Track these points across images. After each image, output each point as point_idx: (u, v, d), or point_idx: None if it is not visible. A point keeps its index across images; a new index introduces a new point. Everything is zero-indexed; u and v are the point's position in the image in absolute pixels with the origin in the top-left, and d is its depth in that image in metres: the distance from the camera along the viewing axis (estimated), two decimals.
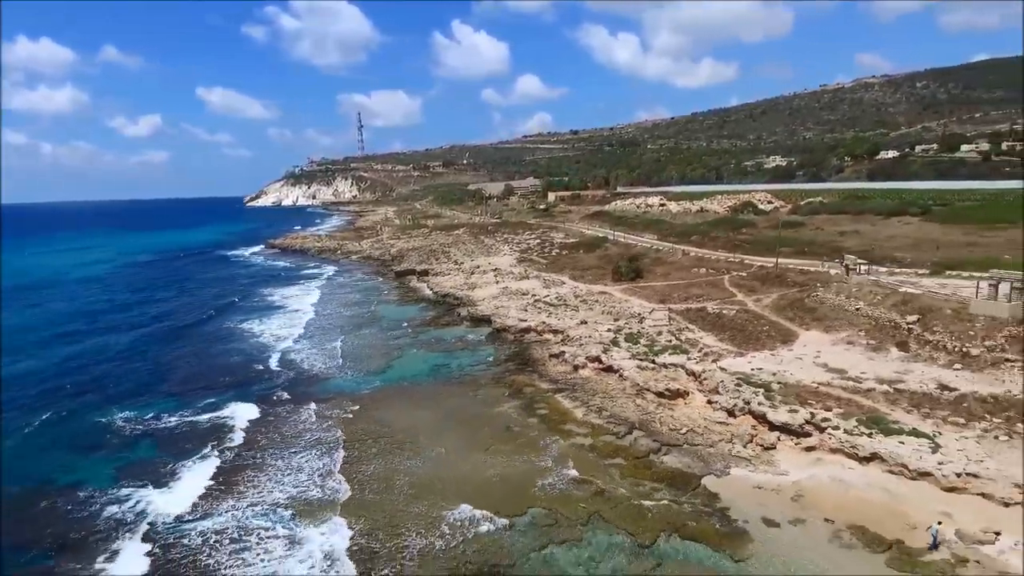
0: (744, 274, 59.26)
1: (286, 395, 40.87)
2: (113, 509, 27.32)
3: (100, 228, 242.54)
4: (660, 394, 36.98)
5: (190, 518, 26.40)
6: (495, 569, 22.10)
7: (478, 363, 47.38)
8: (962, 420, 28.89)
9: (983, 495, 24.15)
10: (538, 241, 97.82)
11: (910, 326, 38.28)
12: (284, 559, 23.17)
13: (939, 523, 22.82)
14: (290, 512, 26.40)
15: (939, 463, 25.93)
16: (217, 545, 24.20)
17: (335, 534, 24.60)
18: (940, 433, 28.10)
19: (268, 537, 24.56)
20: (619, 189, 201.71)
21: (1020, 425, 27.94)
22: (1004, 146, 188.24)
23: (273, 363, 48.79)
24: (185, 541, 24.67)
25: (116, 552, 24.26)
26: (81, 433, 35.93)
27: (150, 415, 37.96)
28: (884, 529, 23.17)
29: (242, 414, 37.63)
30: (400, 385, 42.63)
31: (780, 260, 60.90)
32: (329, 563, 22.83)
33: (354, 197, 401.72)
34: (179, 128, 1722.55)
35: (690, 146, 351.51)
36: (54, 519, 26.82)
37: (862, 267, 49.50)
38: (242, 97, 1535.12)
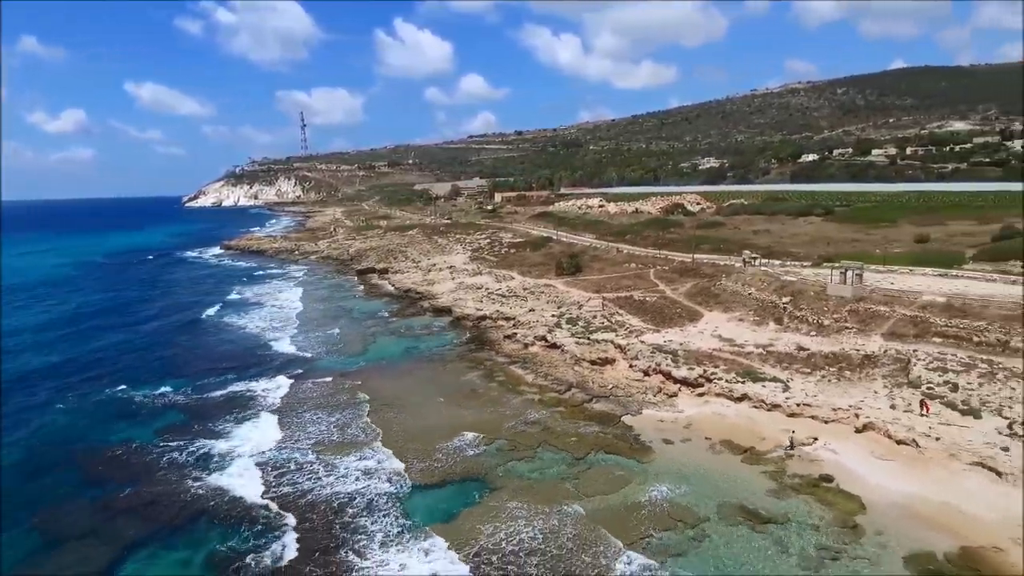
0: (667, 268, 69.67)
1: (297, 372, 48.71)
2: (210, 449, 35.61)
3: (36, 231, 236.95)
4: (593, 362, 46.52)
5: (278, 451, 34.96)
6: (479, 475, 31.14)
7: (443, 345, 56.01)
8: (808, 370, 39.51)
9: (812, 417, 34.53)
10: (488, 241, 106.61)
11: (785, 305, 49.14)
12: (355, 472, 31.99)
13: (792, 432, 32.98)
14: (346, 444, 35.20)
15: (787, 398, 36.32)
16: (307, 467, 32.85)
17: (381, 454, 33.84)
18: (792, 379, 38.62)
19: (339, 461, 33.32)
20: (562, 190, 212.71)
21: (848, 373, 38.69)
22: (908, 150, 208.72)
23: (271, 350, 56.15)
24: (281, 466, 33.09)
25: (226, 470, 32.82)
26: (144, 407, 43.10)
27: (197, 392, 45.26)
28: (743, 441, 33.18)
29: (269, 387, 45.68)
30: (380, 364, 50.86)
31: (698, 256, 71.75)
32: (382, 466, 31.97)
33: (298, 197, 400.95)
34: (105, 125, 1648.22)
35: (630, 147, 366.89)
36: (153, 463, 34.16)
37: (757, 260, 60.49)
38: (174, 93, 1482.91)
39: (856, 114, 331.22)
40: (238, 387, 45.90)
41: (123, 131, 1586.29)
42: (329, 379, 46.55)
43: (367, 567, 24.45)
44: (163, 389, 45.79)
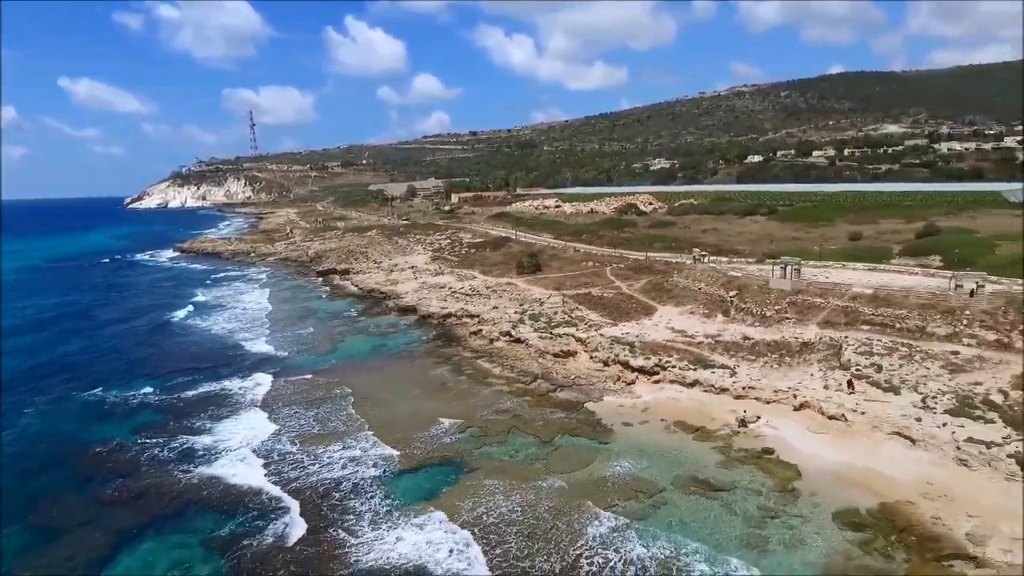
0: (622, 266, 73.23)
1: (274, 371, 50.10)
2: (214, 440, 37.57)
3: None
4: (556, 355, 49.38)
5: (268, 442, 36.82)
6: (454, 459, 33.52)
7: (411, 342, 58.05)
8: (753, 357, 43.28)
9: (756, 398, 38.16)
10: (448, 241, 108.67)
11: (731, 299, 53.04)
12: (342, 459, 34.17)
13: (744, 411, 36.45)
14: (331, 435, 37.15)
15: (734, 382, 39.90)
16: (297, 457, 34.72)
17: (365, 443, 35.94)
18: (738, 365, 42.29)
19: (325, 450, 35.30)
20: (518, 191, 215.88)
21: (787, 358, 42.58)
22: (846, 152, 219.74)
23: (245, 350, 57.16)
24: (273, 456, 35.07)
25: (219, 462, 34.61)
26: (128, 405, 44.05)
27: (179, 391, 46.41)
28: (695, 422, 36.52)
29: (248, 385, 47.19)
30: (352, 361, 52.58)
31: (651, 254, 75.60)
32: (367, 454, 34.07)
33: (248, 198, 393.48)
34: (37, 122, 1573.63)
35: (583, 148, 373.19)
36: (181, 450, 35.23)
37: (706, 258, 64.49)
38: (113, 90, 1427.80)
39: (798, 117, 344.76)
40: (220, 385, 47.21)
41: (57, 129, 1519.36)
42: (308, 376, 48.15)
43: (365, 540, 26.65)
44: (145, 390, 46.62)
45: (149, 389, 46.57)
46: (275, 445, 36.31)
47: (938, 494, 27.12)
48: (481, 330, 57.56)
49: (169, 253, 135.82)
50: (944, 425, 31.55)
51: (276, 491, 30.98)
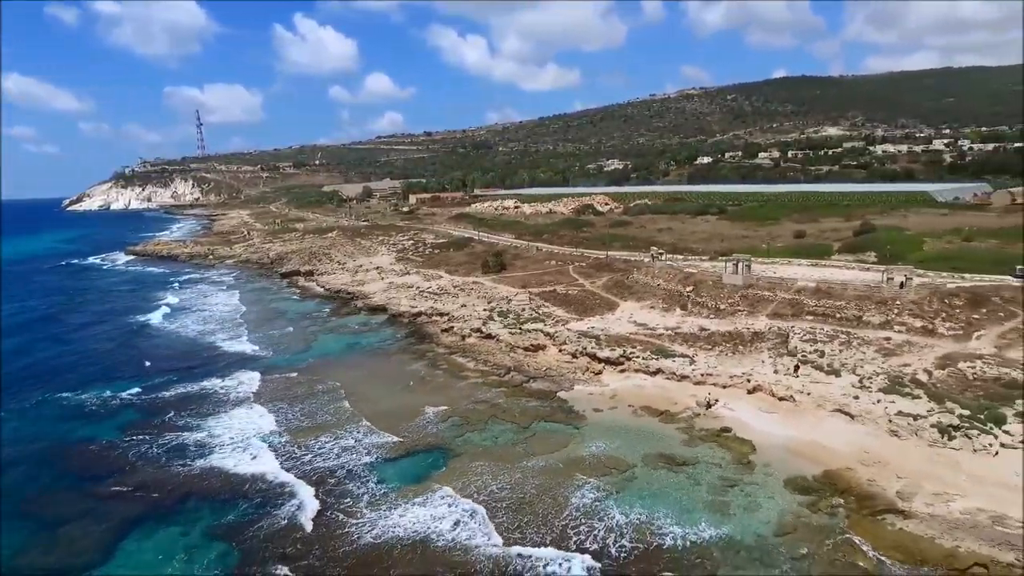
0: (584, 264, 76.46)
1: (259, 369, 51.49)
2: (210, 434, 39.28)
3: None
4: (526, 349, 52.05)
5: (267, 434, 38.75)
6: (439, 446, 35.83)
7: (384, 340, 59.87)
8: (709, 347, 46.88)
9: (714, 384, 41.64)
10: (411, 242, 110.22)
11: (688, 294, 56.78)
12: (337, 448, 36.28)
13: (709, 395, 39.77)
14: (324, 426, 39.11)
15: (693, 370, 43.33)
16: (297, 445, 36.83)
17: (357, 432, 37.89)
18: (696, 355, 45.79)
19: (318, 440, 37.42)
20: (476, 192, 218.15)
21: (741, 347, 46.31)
22: (790, 154, 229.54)
23: (224, 350, 58.13)
24: (275, 447, 36.95)
25: (225, 450, 36.12)
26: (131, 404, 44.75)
27: (168, 389, 47.67)
28: (659, 406, 39.75)
29: (232, 384, 48.64)
30: (327, 359, 54.12)
31: (611, 253, 79.13)
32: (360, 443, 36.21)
33: (197, 200, 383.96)
34: None
35: (538, 149, 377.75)
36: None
37: (663, 256, 68.25)
38: (47, 87, 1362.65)
39: (744, 119, 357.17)
40: (207, 384, 48.46)
41: None
42: (292, 374, 49.76)
43: (371, 517, 28.98)
44: (133, 390, 47.46)
45: (137, 390, 47.36)
46: (272, 437, 38.07)
47: (873, 460, 30.86)
48: (452, 327, 59.76)
49: (123, 257, 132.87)
50: (878, 402, 35.51)
51: (284, 476, 33.00)
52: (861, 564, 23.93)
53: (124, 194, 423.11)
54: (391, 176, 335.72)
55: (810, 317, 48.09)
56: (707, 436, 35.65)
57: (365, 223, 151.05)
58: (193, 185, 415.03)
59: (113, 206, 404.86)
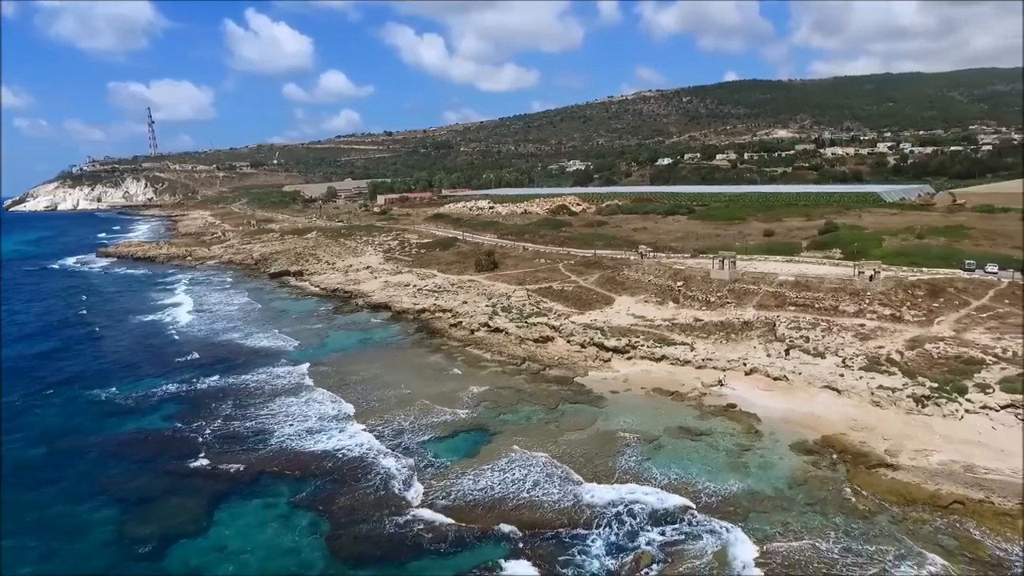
0: (573, 262, 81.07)
1: (293, 361, 54.74)
2: (303, 412, 43.61)
3: None
4: (535, 341, 56.27)
5: (352, 410, 43.18)
6: (481, 426, 39.77)
7: (394, 335, 63.17)
8: (705, 335, 52.00)
9: (714, 368, 46.67)
10: (396, 242, 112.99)
11: (679, 288, 61.95)
12: (394, 429, 39.42)
13: (722, 375, 44.55)
14: (373, 411, 41.89)
15: (694, 356, 48.30)
16: (377, 420, 41.27)
17: (419, 408, 40.66)
18: (695, 343, 50.82)
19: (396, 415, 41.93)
20: (444, 192, 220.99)
21: (733, 335, 51.55)
22: (746, 156, 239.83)
23: (247, 345, 60.70)
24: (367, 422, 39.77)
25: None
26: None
27: (214, 380, 51.08)
28: (669, 388, 44.55)
29: (283, 371, 52.19)
30: (343, 354, 57.16)
31: (596, 251, 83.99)
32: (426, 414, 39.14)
33: (150, 200, 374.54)
34: None
35: (500, 150, 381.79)
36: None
37: (650, 254, 73.43)
38: None
39: (699, 121, 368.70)
40: (265, 373, 52.20)
41: None
42: (325, 367, 52.68)
43: (466, 475, 33.51)
44: (196, 380, 50.92)
45: (197, 380, 50.73)
46: (352, 416, 42.21)
47: (861, 427, 36.22)
48: (460, 322, 63.45)
49: (97, 259, 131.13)
50: (860, 378, 41.05)
51: (378, 446, 37.52)
52: (863, 507, 28.96)
53: (72, 194, 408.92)
54: (352, 176, 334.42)
55: (792, 308, 53.75)
56: (716, 411, 40.56)
57: (341, 224, 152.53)
58: (146, 185, 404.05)
59: (60, 207, 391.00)
